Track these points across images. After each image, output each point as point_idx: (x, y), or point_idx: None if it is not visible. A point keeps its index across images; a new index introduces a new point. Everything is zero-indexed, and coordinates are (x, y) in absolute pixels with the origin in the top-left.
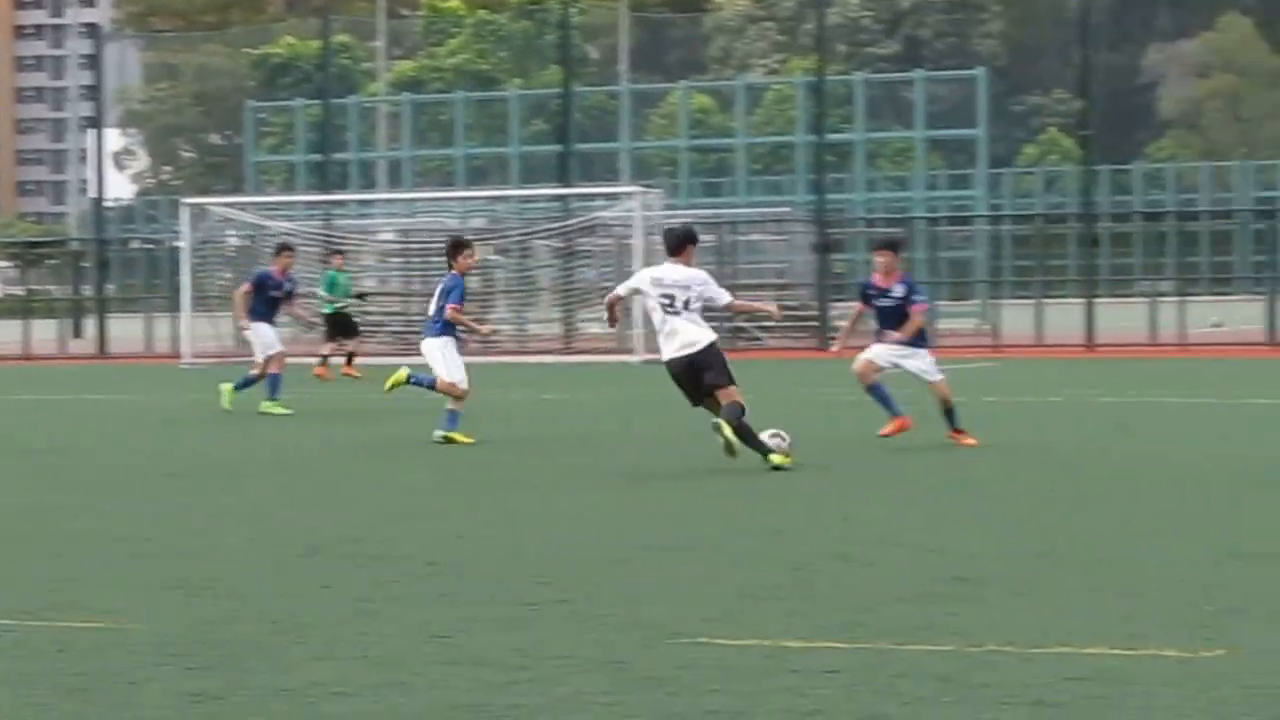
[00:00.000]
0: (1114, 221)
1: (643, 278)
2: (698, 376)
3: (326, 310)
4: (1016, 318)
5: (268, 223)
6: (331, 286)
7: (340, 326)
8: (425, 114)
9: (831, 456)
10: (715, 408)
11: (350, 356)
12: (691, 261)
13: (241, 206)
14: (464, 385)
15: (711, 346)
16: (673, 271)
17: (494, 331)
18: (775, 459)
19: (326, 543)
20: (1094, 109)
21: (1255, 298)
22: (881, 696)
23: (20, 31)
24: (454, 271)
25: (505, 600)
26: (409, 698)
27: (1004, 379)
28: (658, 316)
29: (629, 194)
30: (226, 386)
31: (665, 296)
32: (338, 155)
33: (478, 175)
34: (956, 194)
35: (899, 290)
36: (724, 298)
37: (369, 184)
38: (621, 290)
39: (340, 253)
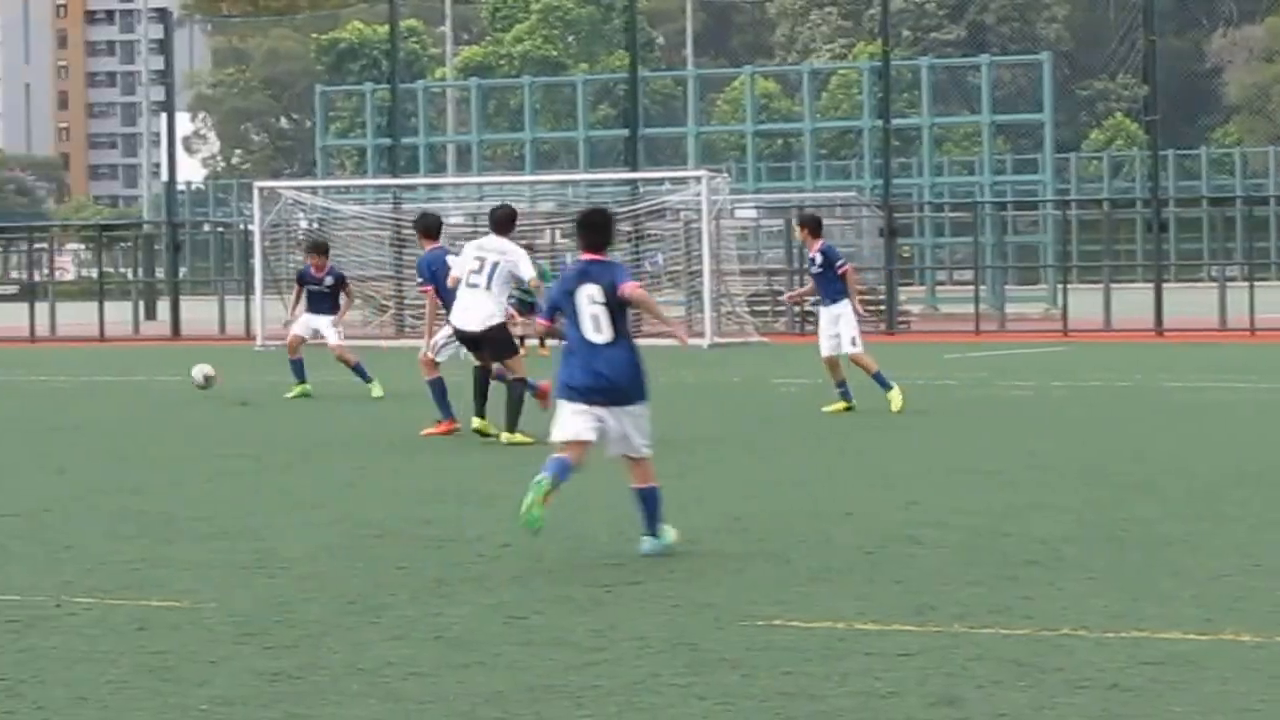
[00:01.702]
0: (1181, 207)
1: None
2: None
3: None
4: (1084, 302)
5: (338, 206)
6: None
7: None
8: (493, 99)
9: (899, 438)
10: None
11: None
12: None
13: (312, 190)
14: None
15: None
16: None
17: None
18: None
19: (398, 525)
20: (1160, 94)
21: None
22: (956, 680)
23: (91, 16)
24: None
25: (579, 582)
26: (486, 678)
27: (1073, 363)
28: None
29: (696, 178)
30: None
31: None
32: (406, 139)
33: (545, 159)
34: (1023, 179)
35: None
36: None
37: (437, 168)
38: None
39: (529, 247)
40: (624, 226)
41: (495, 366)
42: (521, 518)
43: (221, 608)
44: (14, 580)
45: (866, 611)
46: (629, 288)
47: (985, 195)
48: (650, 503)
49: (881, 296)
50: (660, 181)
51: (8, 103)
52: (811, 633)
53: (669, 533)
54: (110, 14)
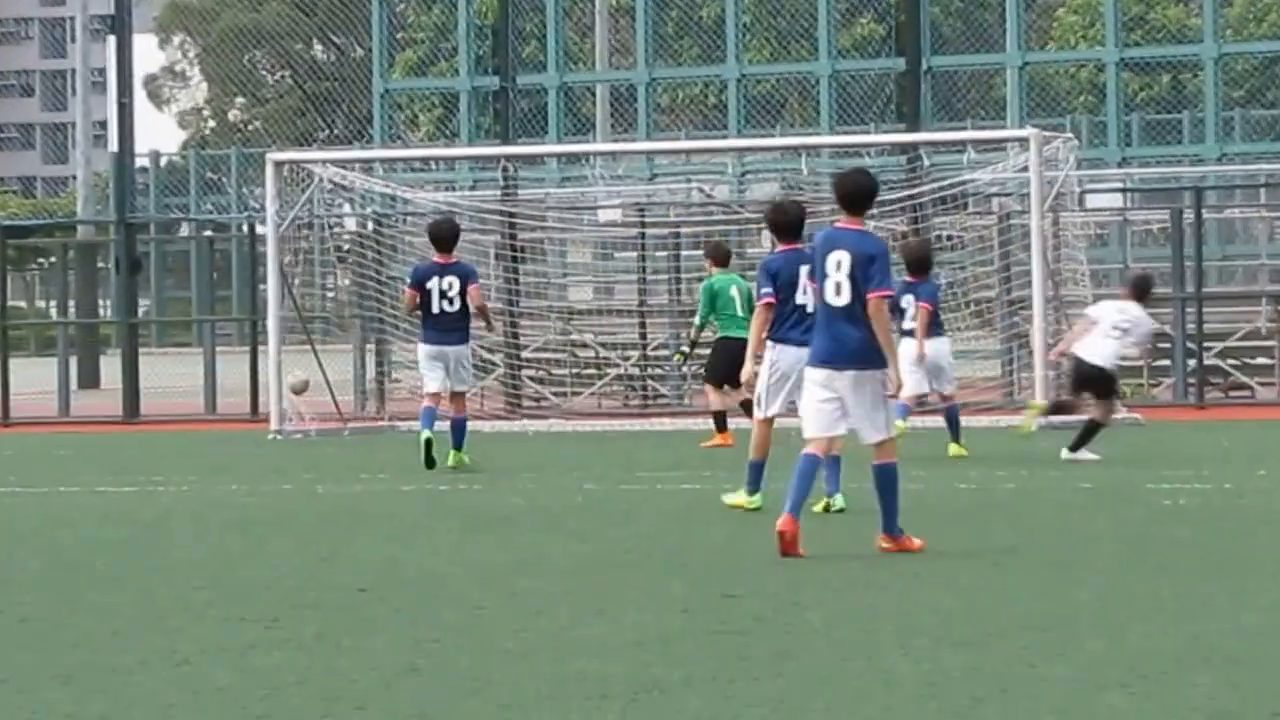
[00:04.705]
0: None
1: None
2: None
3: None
4: None
5: (409, 193)
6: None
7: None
8: (673, 7)
9: None
10: None
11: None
12: None
13: (366, 165)
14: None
15: None
16: None
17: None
18: None
19: None
20: None
21: None
22: None
23: None
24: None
25: None
26: None
27: None
28: None
29: (1019, 142)
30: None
31: None
32: (525, 78)
33: (762, 111)
34: None
35: None
36: None
37: (578, 127)
38: None
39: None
40: (896, 225)
41: None
42: None
43: None
44: None
45: None
46: None
47: None
48: None
49: None
50: (958, 147)
51: None
52: None
53: None
54: None
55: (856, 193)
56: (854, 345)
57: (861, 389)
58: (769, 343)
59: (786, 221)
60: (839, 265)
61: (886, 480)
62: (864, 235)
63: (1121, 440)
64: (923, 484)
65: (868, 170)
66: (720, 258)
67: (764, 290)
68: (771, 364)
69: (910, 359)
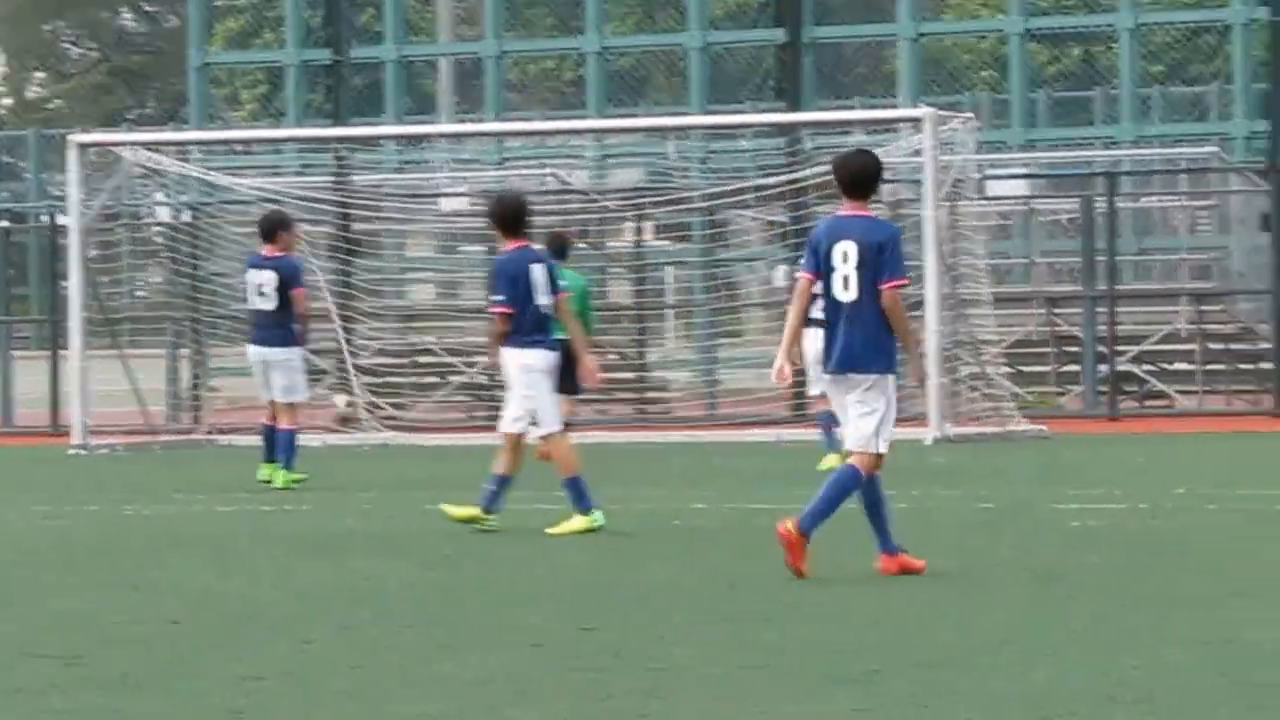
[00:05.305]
0: None
1: None
2: None
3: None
4: None
5: (230, 179)
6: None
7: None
8: None
9: None
10: None
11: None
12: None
13: (180, 148)
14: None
15: None
16: None
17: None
18: None
19: None
20: None
21: None
22: None
23: None
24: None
25: None
26: None
27: None
28: None
29: (912, 122)
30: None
31: None
32: (360, 52)
33: (624, 88)
34: None
35: None
36: None
37: (419, 106)
38: None
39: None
40: (774, 214)
41: None
42: None
43: None
44: None
45: None
46: None
47: None
48: None
49: (1265, 344)
50: (843, 128)
51: None
52: None
53: None
54: None
55: (861, 174)
56: (858, 348)
57: (856, 392)
58: (513, 350)
59: (510, 215)
60: (845, 257)
61: (836, 483)
62: (872, 222)
63: (1025, 454)
64: (800, 503)
65: (870, 150)
66: (557, 249)
67: (497, 298)
68: (524, 371)
69: (814, 355)
